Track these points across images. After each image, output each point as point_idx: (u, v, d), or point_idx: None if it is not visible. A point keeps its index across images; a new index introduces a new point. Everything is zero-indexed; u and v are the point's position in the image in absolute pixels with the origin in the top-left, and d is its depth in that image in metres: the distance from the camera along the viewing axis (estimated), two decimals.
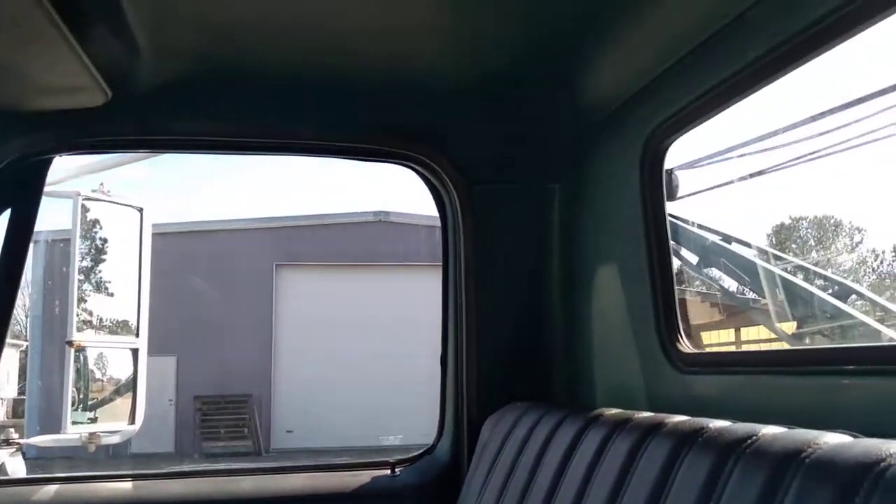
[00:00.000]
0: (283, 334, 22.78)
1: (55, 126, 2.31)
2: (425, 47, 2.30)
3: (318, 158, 2.95)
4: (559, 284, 2.69)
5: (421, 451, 2.85)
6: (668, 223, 2.19)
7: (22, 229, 2.39)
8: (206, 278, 21.68)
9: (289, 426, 22.36)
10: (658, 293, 2.16)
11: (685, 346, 2.11)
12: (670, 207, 2.29)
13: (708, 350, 2.27)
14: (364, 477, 2.68)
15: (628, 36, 2.10)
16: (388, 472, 2.72)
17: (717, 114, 2.06)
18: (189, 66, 2.30)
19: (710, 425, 1.52)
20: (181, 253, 19.89)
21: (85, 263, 4.00)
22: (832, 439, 1.24)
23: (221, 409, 22.31)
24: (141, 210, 3.41)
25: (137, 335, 3.60)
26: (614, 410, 1.96)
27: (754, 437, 1.36)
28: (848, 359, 1.61)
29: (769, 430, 1.37)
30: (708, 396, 2.00)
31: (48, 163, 2.42)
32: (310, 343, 22.11)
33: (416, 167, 2.71)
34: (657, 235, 2.18)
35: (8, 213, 2.38)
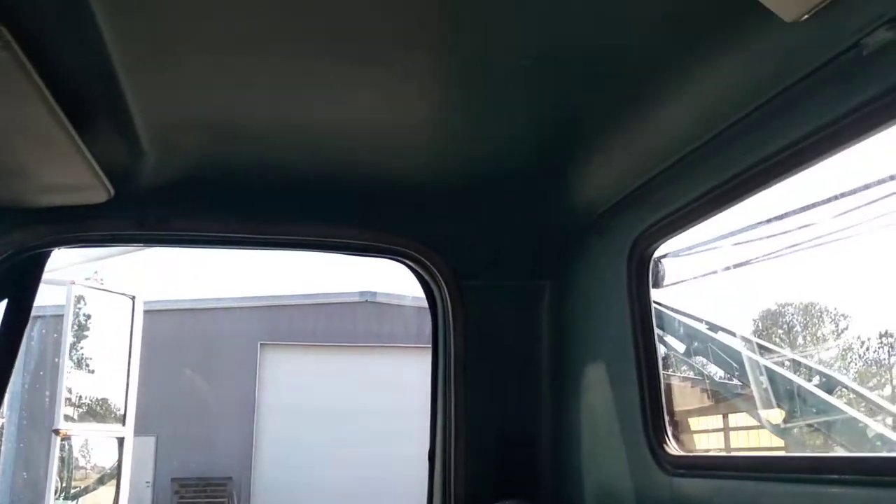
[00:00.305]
0: (267, 414, 22.42)
1: (57, 221, 2.36)
2: (418, 149, 2.38)
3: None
4: (548, 380, 2.72)
5: None
6: (654, 323, 2.24)
7: (18, 318, 2.41)
8: (189, 356, 21.47)
9: None
10: (645, 393, 2.20)
11: (673, 447, 2.13)
12: (657, 294, 2.35)
13: (696, 453, 2.26)
14: None
15: (614, 145, 2.19)
16: None
17: (700, 222, 2.14)
18: (190, 166, 2.36)
19: None
20: (165, 331, 19.71)
21: (71, 340, 4.01)
22: None
23: (200, 492, 21.76)
24: (133, 298, 3.44)
25: (124, 423, 3.58)
26: None
27: None
28: (835, 468, 1.64)
29: None
30: (695, 500, 2.01)
31: (47, 255, 2.46)
32: (293, 424, 21.75)
33: (408, 262, 2.76)
34: (644, 337, 2.23)
35: (5, 301, 2.40)
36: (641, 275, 2.26)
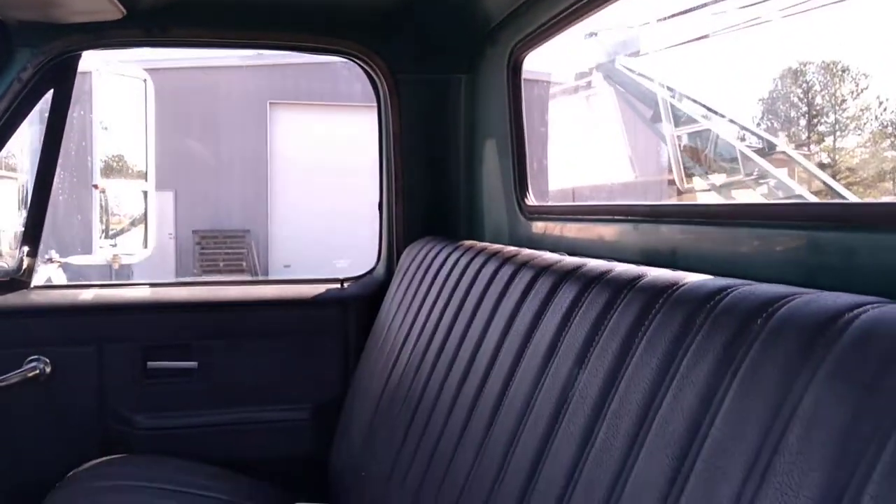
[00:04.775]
0: (279, 173, 23.34)
1: (83, 32, 3.13)
2: None
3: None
4: (463, 152, 3.60)
5: (363, 272, 3.85)
6: (523, 111, 3.07)
7: (62, 105, 3.24)
8: (200, 115, 22.15)
9: (286, 261, 23.21)
10: (515, 163, 3.08)
11: (531, 200, 3.04)
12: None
13: (548, 203, 3.06)
14: (321, 289, 3.69)
15: None
16: (339, 286, 3.73)
17: (564, 31, 2.89)
18: None
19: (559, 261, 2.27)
20: (173, 89, 20.06)
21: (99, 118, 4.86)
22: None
23: (219, 244, 23.24)
24: (145, 80, 4.24)
25: (146, 180, 4.53)
26: (495, 246, 2.72)
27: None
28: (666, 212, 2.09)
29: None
30: (543, 236, 2.94)
31: (78, 57, 3.24)
32: (305, 181, 22.66)
33: (355, 60, 3.55)
34: (516, 122, 3.07)
35: (52, 92, 3.23)
36: (516, 76, 3.06)
